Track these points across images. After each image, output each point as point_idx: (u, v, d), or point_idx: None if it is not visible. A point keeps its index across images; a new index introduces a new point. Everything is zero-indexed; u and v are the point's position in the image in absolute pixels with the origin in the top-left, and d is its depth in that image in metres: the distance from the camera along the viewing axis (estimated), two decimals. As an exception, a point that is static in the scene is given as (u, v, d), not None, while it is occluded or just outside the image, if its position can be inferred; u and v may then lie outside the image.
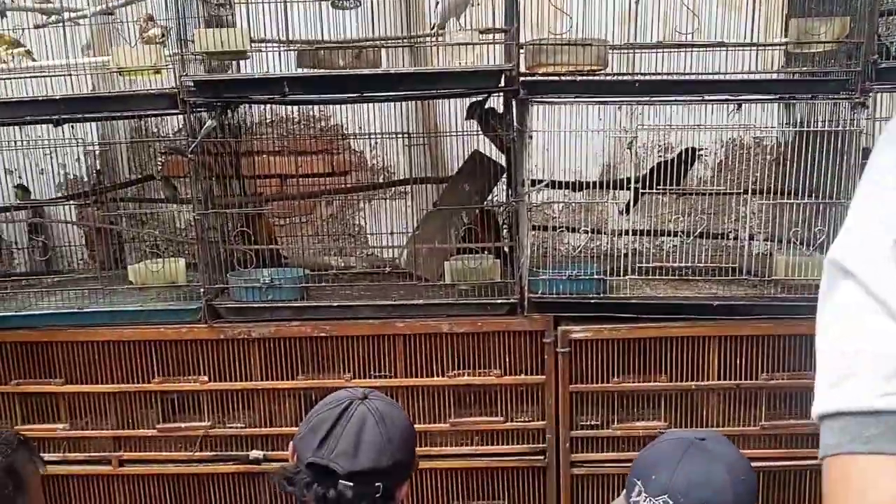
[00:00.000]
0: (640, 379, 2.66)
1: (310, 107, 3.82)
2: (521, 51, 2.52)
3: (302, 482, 1.58)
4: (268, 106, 3.75)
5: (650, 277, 2.69)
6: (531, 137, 2.54)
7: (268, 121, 3.84)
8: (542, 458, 2.72)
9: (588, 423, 2.70)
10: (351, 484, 1.54)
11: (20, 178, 3.38)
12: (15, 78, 2.55)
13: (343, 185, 3.72)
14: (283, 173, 3.71)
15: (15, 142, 2.91)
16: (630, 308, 2.59)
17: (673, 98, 2.49)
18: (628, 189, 2.98)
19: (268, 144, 3.68)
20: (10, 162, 3.38)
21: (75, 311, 2.69)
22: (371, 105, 3.32)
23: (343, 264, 3.29)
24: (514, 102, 2.59)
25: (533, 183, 2.59)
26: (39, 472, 1.51)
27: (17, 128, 2.87)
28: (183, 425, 2.77)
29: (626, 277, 2.61)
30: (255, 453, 2.76)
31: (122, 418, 2.78)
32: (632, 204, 2.74)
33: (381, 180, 3.76)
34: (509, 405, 2.72)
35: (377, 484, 1.56)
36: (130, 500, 2.83)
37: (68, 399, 2.78)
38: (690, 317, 2.57)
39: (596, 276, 2.61)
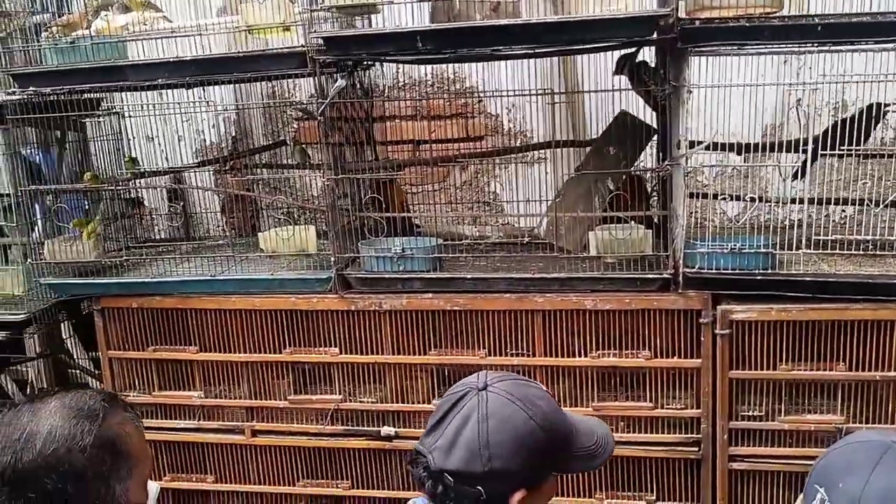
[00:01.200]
0: (814, 367, 2.34)
1: (444, 68, 3.65)
2: (681, -7, 2.23)
3: (419, 466, 1.42)
4: (400, 68, 3.61)
5: (827, 252, 2.35)
6: (690, 93, 2.25)
7: (400, 84, 3.70)
8: (696, 449, 2.46)
9: (750, 413, 2.42)
10: (452, 481, 1.36)
11: (159, 144, 3.40)
12: (148, 39, 2.49)
13: (478, 151, 3.53)
14: (415, 138, 3.57)
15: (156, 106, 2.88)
16: (804, 286, 2.27)
17: (867, 44, 2.12)
18: (797, 152, 2.64)
19: (400, 108, 3.54)
20: (149, 129, 3.40)
21: (208, 278, 2.65)
22: (507, 64, 3.11)
23: (478, 234, 3.10)
24: (669, 54, 2.30)
25: (691, 145, 2.30)
26: (140, 429, 1.36)
27: (156, 93, 2.86)
28: (314, 398, 2.70)
29: (801, 252, 2.28)
30: (387, 429, 2.65)
31: (254, 388, 2.73)
32: (808, 167, 2.39)
33: (517, 145, 3.55)
34: (659, 391, 2.47)
35: (478, 487, 1.36)
36: (263, 470, 2.80)
37: (202, 367, 2.76)
38: (877, 298, 2.23)
39: (763, 250, 2.30)
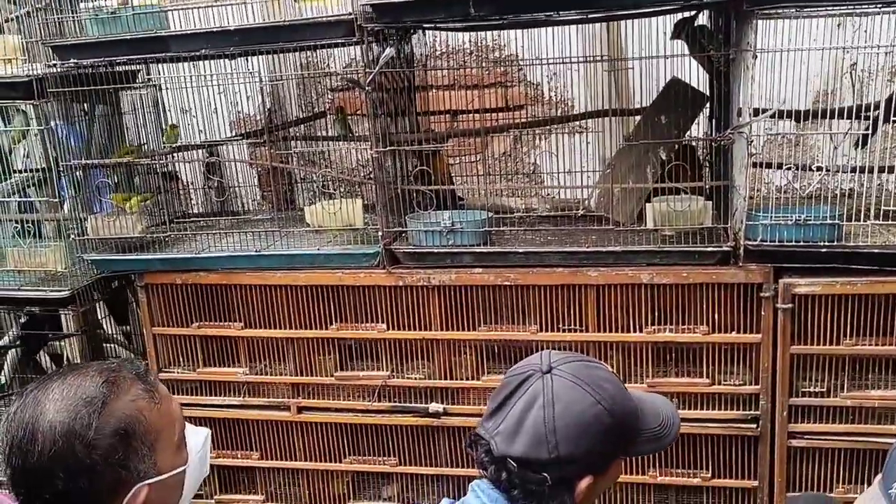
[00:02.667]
0: (879, 342, 2.26)
1: (483, 36, 3.56)
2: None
3: (481, 451, 1.37)
4: (438, 36, 3.52)
5: (893, 223, 2.27)
6: (755, 58, 2.16)
7: (438, 53, 3.61)
8: (754, 426, 2.40)
9: (811, 389, 2.35)
10: (516, 467, 1.31)
11: (195, 116, 3.34)
12: (193, 7, 2.43)
13: (517, 120, 3.45)
14: (454, 109, 3.49)
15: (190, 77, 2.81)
16: (871, 258, 2.20)
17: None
18: (856, 119, 2.54)
19: (438, 77, 3.45)
20: (184, 101, 3.33)
21: (253, 253, 2.60)
22: (548, 31, 3.01)
23: (523, 206, 3.03)
24: (734, 17, 2.21)
25: (756, 112, 2.21)
26: (156, 400, 1.22)
27: (191, 64, 2.79)
28: (361, 374, 2.66)
29: (868, 223, 2.20)
30: (435, 406, 2.61)
31: (299, 364, 2.69)
32: (879, 134, 2.30)
33: (561, 114, 3.46)
34: (716, 366, 2.41)
35: (543, 473, 1.31)
36: (308, 447, 2.77)
37: (247, 343, 2.72)
38: (948, 271, 2.15)
39: (829, 221, 2.22)
